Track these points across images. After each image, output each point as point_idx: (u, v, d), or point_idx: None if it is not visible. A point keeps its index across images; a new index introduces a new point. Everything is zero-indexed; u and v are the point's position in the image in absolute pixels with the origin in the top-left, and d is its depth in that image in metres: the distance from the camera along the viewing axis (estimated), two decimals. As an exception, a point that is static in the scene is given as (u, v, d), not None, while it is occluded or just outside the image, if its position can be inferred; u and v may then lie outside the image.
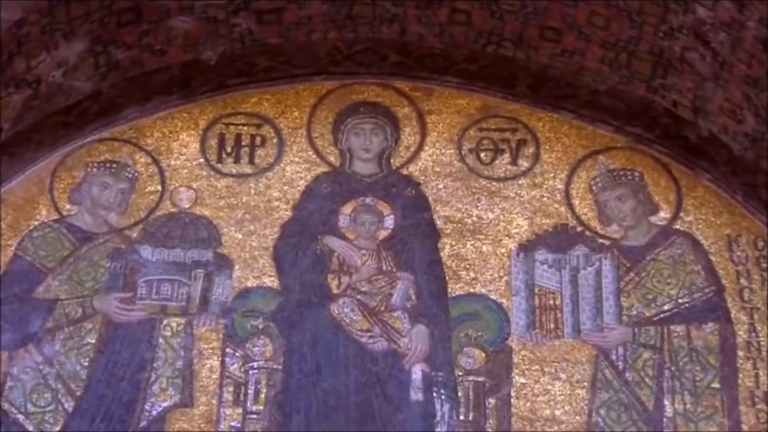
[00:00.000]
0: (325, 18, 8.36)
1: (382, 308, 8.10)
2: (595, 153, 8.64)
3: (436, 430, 7.74)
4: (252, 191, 8.50)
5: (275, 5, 8.23)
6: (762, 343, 7.96)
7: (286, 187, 8.52)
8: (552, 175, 8.57)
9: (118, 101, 8.52)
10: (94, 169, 8.54)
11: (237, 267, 8.22)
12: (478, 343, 8.00)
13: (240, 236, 8.33)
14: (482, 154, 8.65)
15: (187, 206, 8.45)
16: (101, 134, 8.64)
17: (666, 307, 8.10)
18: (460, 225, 8.39)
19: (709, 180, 8.47)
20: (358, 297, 8.13)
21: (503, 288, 8.19)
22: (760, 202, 8.28)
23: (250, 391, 7.83)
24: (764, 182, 8.15)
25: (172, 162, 8.60)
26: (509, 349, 8.00)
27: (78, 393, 7.81)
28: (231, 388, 7.85)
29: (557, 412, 7.80)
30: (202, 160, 8.62)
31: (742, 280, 8.17)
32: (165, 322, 8.03)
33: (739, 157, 8.17)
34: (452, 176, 8.56)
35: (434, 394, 7.84)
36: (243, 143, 8.67)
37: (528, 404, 7.82)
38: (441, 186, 8.53)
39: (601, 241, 8.34)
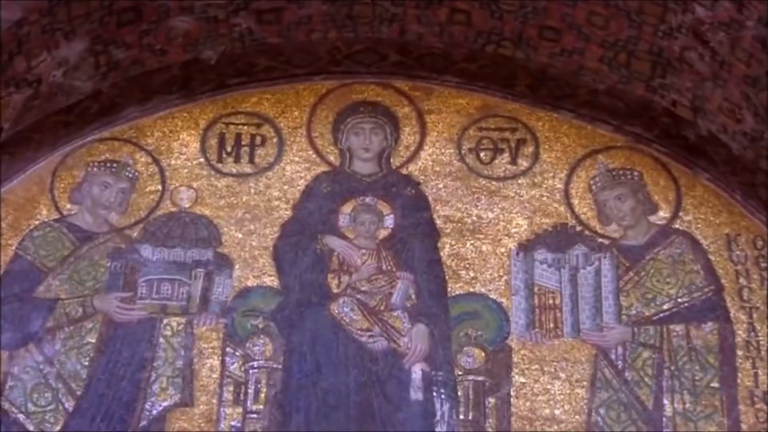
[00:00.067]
0: (325, 18, 8.36)
1: (382, 307, 8.11)
2: (595, 152, 8.65)
3: (436, 429, 7.75)
4: (252, 191, 8.51)
5: (275, 5, 8.23)
6: (761, 342, 7.97)
7: (286, 187, 8.53)
8: (551, 174, 8.58)
9: (118, 101, 8.53)
10: (95, 169, 8.55)
11: (237, 266, 8.23)
12: (478, 343, 8.01)
13: (240, 236, 8.34)
14: (482, 154, 8.65)
15: (187, 206, 8.46)
16: (102, 134, 8.64)
17: (665, 307, 8.11)
18: (459, 224, 8.40)
19: (708, 179, 8.48)
20: (358, 296, 8.14)
21: (503, 287, 8.19)
22: (759, 201, 8.28)
23: (250, 391, 7.84)
24: (763, 181, 8.16)
25: (173, 161, 8.61)
26: (509, 348, 8.00)
27: (78, 392, 7.81)
28: (231, 388, 7.86)
29: (557, 412, 7.81)
30: (202, 159, 8.63)
31: (741, 280, 8.18)
32: (165, 321, 8.04)
33: (738, 156, 8.17)
34: (452, 176, 8.57)
35: (434, 394, 7.85)
36: (243, 143, 8.68)
37: (527, 403, 7.83)
38: (441, 185, 8.54)
39: (600, 240, 8.35)
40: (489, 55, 8.53)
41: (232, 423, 7.76)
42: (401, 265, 8.25)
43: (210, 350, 7.97)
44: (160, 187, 8.52)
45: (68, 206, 8.43)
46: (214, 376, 7.90)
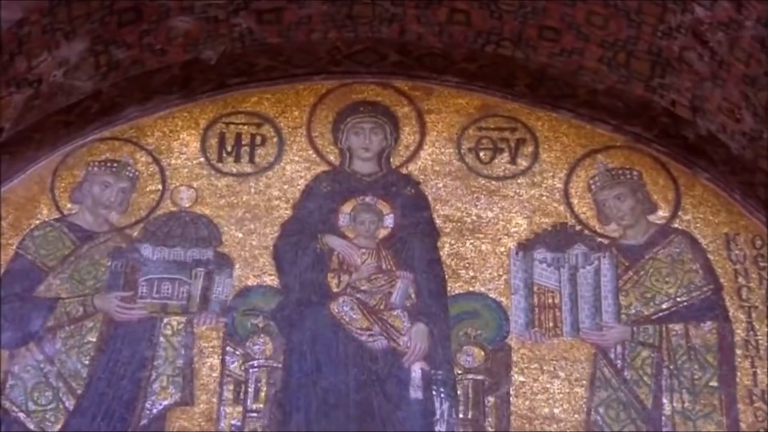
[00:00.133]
0: (325, 18, 8.37)
1: (382, 307, 8.12)
2: (594, 152, 8.66)
3: (436, 428, 7.75)
4: (252, 190, 8.52)
5: (275, 5, 8.24)
6: (760, 341, 7.97)
7: (286, 186, 8.54)
8: (551, 174, 8.58)
9: (118, 101, 8.53)
10: (95, 168, 8.56)
11: (237, 266, 8.24)
12: (478, 342, 8.02)
13: (240, 235, 8.35)
14: (481, 153, 8.66)
15: (187, 205, 8.47)
16: (102, 133, 8.65)
17: (664, 306, 8.11)
18: (459, 224, 8.40)
19: (707, 179, 8.48)
20: (358, 296, 8.15)
21: (502, 287, 8.20)
22: (758, 200, 8.29)
23: (250, 390, 7.85)
24: (762, 181, 8.16)
25: (173, 161, 8.62)
26: (508, 347, 8.01)
27: (79, 391, 7.82)
28: (231, 387, 7.87)
29: (556, 411, 7.81)
30: (202, 159, 8.64)
31: (740, 279, 8.18)
32: (165, 320, 8.05)
33: (738, 156, 8.18)
34: (452, 175, 8.57)
35: (434, 393, 7.86)
36: (243, 142, 8.69)
37: (527, 402, 7.83)
38: (440, 185, 8.55)
39: (599, 239, 8.35)
40: (488, 55, 8.54)
41: (232, 422, 7.76)
42: (401, 265, 8.26)
43: (210, 349, 7.98)
44: (160, 187, 8.53)
45: (69, 206, 8.44)
46: (215, 375, 7.91)
